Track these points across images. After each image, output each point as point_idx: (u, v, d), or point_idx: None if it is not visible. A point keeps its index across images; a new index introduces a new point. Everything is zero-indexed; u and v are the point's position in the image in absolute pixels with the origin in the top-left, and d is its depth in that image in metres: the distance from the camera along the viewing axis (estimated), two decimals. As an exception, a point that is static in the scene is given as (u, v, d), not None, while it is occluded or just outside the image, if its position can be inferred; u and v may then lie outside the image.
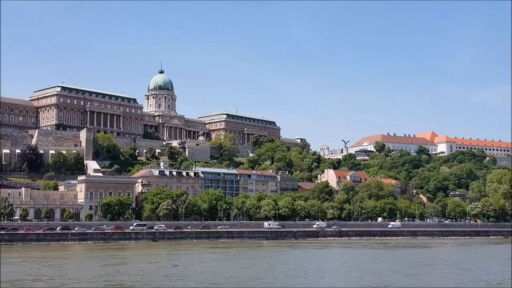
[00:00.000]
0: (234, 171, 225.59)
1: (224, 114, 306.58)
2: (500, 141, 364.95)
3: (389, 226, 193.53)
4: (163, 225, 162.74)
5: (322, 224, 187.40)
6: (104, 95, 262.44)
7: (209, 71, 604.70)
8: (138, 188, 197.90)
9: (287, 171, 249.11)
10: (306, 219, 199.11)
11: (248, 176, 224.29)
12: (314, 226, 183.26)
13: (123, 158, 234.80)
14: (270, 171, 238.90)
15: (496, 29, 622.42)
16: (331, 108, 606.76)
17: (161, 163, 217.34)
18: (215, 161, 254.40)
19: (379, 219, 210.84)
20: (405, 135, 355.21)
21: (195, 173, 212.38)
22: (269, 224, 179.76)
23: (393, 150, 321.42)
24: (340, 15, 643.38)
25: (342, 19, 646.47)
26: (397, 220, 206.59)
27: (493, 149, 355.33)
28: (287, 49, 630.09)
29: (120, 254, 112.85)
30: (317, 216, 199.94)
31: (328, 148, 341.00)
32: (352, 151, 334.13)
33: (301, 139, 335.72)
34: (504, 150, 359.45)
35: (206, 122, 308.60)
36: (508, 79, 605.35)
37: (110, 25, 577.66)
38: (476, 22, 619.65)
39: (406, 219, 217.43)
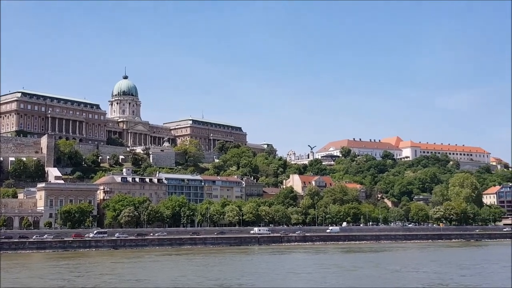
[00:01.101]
0: (198, 177, 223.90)
1: (190, 119, 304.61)
2: (463, 145, 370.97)
3: (327, 230, 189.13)
4: (125, 233, 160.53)
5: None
6: (66, 100, 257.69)
7: (174, 76, 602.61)
8: (100, 195, 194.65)
9: (252, 177, 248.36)
10: (270, 225, 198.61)
11: (212, 182, 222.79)
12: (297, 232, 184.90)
13: (85, 165, 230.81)
14: (235, 176, 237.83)
15: (461, 35, 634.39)
16: (298, 113, 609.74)
17: (124, 170, 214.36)
18: (180, 167, 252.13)
19: (344, 223, 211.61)
20: (370, 140, 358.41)
21: (158, 180, 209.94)
22: (259, 230, 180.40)
23: (358, 155, 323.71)
24: (306, 20, 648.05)
25: (308, 24, 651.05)
26: (344, 224, 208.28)
27: (457, 154, 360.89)
28: (254, 55, 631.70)
29: (70, 262, 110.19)
30: (282, 222, 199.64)
31: (294, 153, 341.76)
32: (318, 156, 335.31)
33: (268, 145, 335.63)
34: (467, 155, 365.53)
35: (171, 128, 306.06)
36: (472, 84, 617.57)
37: (73, 29, 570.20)
38: (442, 28, 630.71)
39: (370, 223, 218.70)
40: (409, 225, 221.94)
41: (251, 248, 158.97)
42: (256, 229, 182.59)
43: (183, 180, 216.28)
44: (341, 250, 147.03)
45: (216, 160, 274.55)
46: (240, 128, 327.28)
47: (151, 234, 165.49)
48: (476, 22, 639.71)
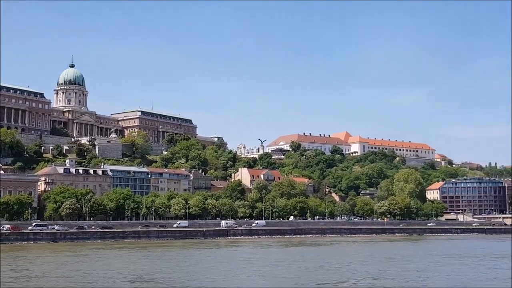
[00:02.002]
0: (145, 169, 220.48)
1: (139, 111, 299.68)
2: (409, 142, 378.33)
3: (253, 225, 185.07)
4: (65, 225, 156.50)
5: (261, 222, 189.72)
6: (8, 88, 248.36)
7: (124, 67, 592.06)
8: (41, 186, 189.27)
9: (201, 170, 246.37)
10: (217, 218, 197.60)
11: (159, 175, 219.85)
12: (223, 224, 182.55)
13: (27, 155, 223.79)
14: (183, 169, 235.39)
15: (411, 33, 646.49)
16: (250, 107, 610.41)
17: (67, 161, 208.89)
18: (127, 159, 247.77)
19: (291, 217, 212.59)
20: (320, 135, 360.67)
21: (103, 171, 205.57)
22: (227, 223, 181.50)
23: (308, 150, 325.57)
24: (260, 15, 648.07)
25: (261, 19, 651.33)
26: (291, 218, 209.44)
27: (403, 150, 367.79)
28: (206, 47, 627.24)
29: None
30: (228, 215, 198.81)
31: (245, 147, 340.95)
32: (268, 150, 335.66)
33: (218, 138, 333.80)
34: (413, 151, 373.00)
35: (119, 119, 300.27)
36: (420, 82, 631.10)
37: (18, 16, 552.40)
38: (392, 26, 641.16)
39: (317, 217, 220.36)
40: (355, 219, 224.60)
41: (196, 241, 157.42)
42: (223, 222, 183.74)
43: (129, 172, 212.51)
44: (281, 244, 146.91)
45: (165, 153, 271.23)
46: (190, 121, 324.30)
47: (93, 227, 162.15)
48: (425, 21, 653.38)
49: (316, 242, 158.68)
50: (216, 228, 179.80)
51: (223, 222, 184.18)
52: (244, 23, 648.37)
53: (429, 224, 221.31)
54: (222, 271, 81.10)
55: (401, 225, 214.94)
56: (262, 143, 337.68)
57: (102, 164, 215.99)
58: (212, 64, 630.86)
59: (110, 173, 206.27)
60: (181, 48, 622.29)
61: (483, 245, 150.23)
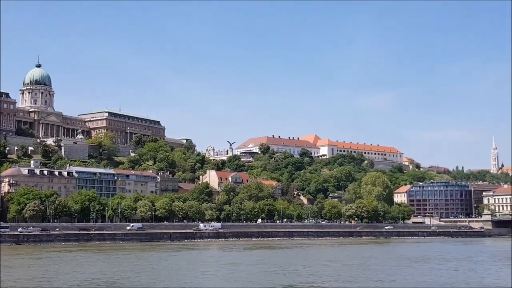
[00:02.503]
0: (111, 171, 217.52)
1: (106, 112, 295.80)
2: (378, 145, 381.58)
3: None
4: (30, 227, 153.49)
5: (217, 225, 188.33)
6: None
7: (92, 67, 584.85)
8: (5, 187, 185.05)
9: (168, 172, 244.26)
10: (184, 221, 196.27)
11: (126, 176, 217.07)
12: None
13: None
14: (151, 171, 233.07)
15: (381, 35, 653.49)
16: (219, 109, 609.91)
17: (32, 162, 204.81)
18: (93, 160, 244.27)
19: (259, 220, 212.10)
20: (289, 137, 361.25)
21: (68, 173, 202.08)
22: (205, 226, 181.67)
23: (277, 152, 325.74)
24: (231, 15, 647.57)
25: (233, 20, 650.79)
26: (259, 220, 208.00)
27: (372, 153, 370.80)
28: (175, 48, 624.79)
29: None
30: (195, 218, 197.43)
31: (213, 149, 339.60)
32: (237, 152, 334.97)
33: (187, 140, 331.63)
34: (381, 154, 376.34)
35: (86, 120, 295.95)
36: (389, 86, 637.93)
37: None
38: (364, 29, 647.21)
39: (285, 220, 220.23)
40: (322, 222, 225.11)
41: (161, 244, 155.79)
42: (202, 225, 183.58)
43: (94, 173, 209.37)
44: (245, 247, 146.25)
45: (132, 154, 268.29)
46: (158, 122, 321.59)
47: (57, 229, 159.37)
48: (395, 25, 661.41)
49: (283, 244, 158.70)
50: (183, 231, 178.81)
51: (201, 225, 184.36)
52: (214, 23, 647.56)
53: (386, 228, 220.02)
54: (185, 273, 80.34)
55: (357, 228, 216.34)
56: (231, 145, 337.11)
57: (68, 165, 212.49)
58: (182, 65, 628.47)
59: (76, 175, 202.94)
60: (149, 49, 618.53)
61: (444, 248, 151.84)
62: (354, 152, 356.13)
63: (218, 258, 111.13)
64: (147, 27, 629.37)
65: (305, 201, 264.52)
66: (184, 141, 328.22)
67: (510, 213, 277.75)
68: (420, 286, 71.00)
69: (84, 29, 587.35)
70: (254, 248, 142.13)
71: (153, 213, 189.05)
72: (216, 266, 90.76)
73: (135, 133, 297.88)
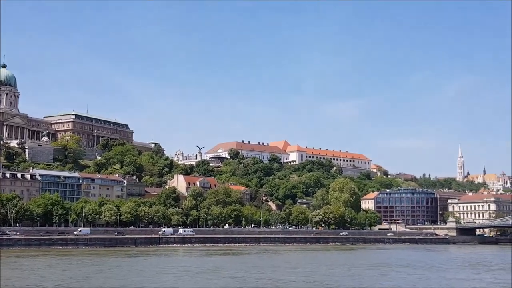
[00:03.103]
0: (76, 174, 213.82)
1: (73, 114, 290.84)
2: (346, 152, 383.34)
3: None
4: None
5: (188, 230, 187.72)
6: None
7: (59, 68, 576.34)
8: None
9: (135, 176, 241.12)
10: (150, 226, 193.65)
11: (91, 180, 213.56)
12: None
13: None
14: (117, 175, 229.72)
15: (352, 45, 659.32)
16: (190, 113, 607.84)
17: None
18: (58, 163, 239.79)
19: (226, 225, 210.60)
20: (259, 143, 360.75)
21: (31, 176, 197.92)
22: (184, 231, 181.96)
23: (246, 158, 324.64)
24: (200, 20, 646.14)
25: (202, 25, 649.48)
26: (226, 226, 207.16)
27: (340, 160, 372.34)
28: (147, 52, 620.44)
29: None
30: (161, 223, 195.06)
31: (182, 153, 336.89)
32: (206, 157, 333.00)
33: (155, 144, 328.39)
34: (350, 161, 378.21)
35: (52, 122, 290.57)
36: (360, 94, 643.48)
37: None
38: (333, 37, 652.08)
39: (252, 225, 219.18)
40: (289, 228, 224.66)
41: (127, 249, 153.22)
42: (181, 230, 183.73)
43: (59, 177, 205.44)
44: (207, 253, 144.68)
45: (99, 158, 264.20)
46: (126, 126, 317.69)
47: (18, 233, 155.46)
48: (364, 36, 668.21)
49: (248, 250, 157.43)
50: (148, 236, 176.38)
51: (181, 230, 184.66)
52: (186, 28, 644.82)
53: (341, 234, 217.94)
54: (145, 279, 78.77)
55: (324, 234, 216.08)
56: (200, 150, 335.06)
57: (31, 168, 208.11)
58: (153, 69, 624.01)
59: (39, 178, 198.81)
60: (119, 52, 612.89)
61: (405, 254, 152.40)
62: (323, 158, 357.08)
63: (174, 264, 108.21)
64: (115, 30, 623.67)
65: (273, 207, 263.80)
66: (153, 145, 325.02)
67: (474, 221, 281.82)
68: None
69: (52, 30, 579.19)
70: (216, 254, 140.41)
71: (118, 218, 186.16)
72: (164, 274, 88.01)
73: (102, 136, 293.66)
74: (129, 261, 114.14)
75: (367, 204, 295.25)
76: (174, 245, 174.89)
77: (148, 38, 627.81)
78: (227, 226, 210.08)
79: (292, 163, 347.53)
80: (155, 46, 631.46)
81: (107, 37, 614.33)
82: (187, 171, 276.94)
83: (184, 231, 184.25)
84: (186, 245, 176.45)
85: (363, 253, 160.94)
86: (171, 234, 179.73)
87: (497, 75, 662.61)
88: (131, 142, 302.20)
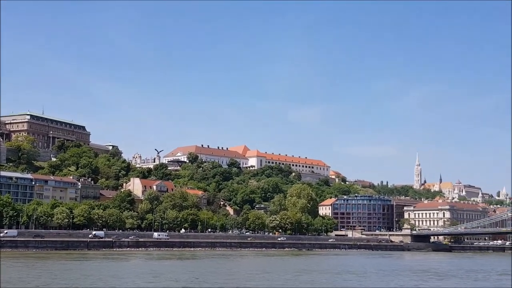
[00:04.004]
0: (29, 175, 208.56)
1: (28, 114, 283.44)
2: (306, 158, 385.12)
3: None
4: None
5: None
6: None
7: (14, 68, 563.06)
8: None
9: (90, 179, 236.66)
10: (103, 229, 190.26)
11: (44, 182, 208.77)
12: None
13: None
14: (72, 177, 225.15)
15: (313, 52, 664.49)
16: (149, 117, 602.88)
17: None
18: (11, 164, 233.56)
19: (182, 230, 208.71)
20: (218, 147, 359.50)
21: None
22: (159, 235, 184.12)
23: (205, 162, 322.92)
24: (162, 22, 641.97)
25: (163, 26, 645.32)
26: (182, 230, 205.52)
27: (299, 165, 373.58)
28: (106, 53, 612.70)
29: None
30: (116, 226, 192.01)
31: (140, 156, 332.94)
32: (165, 160, 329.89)
33: (113, 146, 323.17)
34: (309, 167, 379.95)
35: (6, 122, 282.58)
36: (320, 101, 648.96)
37: None
38: (297, 44, 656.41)
39: (209, 230, 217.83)
40: (246, 233, 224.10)
41: (78, 252, 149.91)
42: (156, 234, 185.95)
43: (10, 178, 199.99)
44: (153, 257, 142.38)
45: (53, 159, 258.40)
46: (83, 127, 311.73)
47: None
48: (326, 43, 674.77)
49: (201, 255, 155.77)
50: (101, 239, 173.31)
51: (155, 234, 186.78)
52: (147, 29, 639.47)
53: (279, 239, 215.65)
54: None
55: (280, 239, 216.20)
56: (158, 153, 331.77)
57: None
58: (111, 71, 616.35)
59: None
60: (79, 52, 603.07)
61: (359, 261, 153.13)
62: (283, 164, 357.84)
63: (112, 269, 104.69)
64: (75, 31, 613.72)
65: (231, 211, 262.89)
66: (110, 147, 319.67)
67: (429, 228, 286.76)
68: None
69: (9, 28, 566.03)
70: (168, 259, 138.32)
71: (71, 221, 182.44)
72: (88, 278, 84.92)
73: (58, 138, 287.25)
74: (76, 265, 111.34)
75: (324, 210, 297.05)
76: (128, 248, 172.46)
77: (109, 39, 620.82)
78: (183, 230, 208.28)
79: (251, 168, 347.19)
80: (116, 47, 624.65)
81: (66, 37, 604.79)
82: (145, 174, 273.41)
83: (159, 235, 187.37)
84: (140, 249, 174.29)
85: (309, 259, 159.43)
86: (101, 237, 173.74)
87: (461, 85, 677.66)
88: (88, 144, 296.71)
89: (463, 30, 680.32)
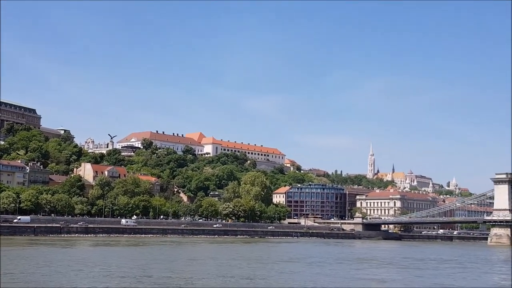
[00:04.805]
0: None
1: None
2: (261, 146, 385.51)
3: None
4: None
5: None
6: None
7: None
8: None
9: (39, 163, 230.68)
10: (52, 214, 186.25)
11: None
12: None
13: None
14: (19, 161, 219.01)
15: (273, 42, 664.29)
16: (104, 101, 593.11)
17: None
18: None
19: (134, 216, 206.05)
20: (174, 134, 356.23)
21: None
22: (127, 222, 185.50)
23: (160, 148, 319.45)
24: (116, 6, 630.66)
25: (119, 11, 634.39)
26: (134, 217, 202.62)
27: (255, 153, 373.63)
28: (60, 35, 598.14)
29: None
30: (64, 211, 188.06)
31: (93, 141, 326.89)
32: (119, 146, 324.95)
33: (65, 130, 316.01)
34: (264, 155, 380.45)
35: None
36: (277, 90, 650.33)
37: None
38: (255, 33, 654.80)
39: (161, 217, 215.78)
40: (199, 220, 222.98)
41: (25, 238, 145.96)
42: (124, 220, 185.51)
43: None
44: (97, 243, 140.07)
45: (1, 143, 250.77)
46: (34, 110, 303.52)
47: None
48: (286, 34, 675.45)
49: (151, 242, 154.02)
50: (48, 225, 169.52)
51: (123, 221, 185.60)
52: (103, 13, 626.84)
53: (214, 226, 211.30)
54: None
55: (232, 227, 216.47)
56: (112, 138, 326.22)
57: None
58: (65, 55, 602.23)
59: None
60: (30, 33, 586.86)
61: (306, 249, 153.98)
62: (238, 151, 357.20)
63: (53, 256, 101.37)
64: (28, 11, 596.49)
65: (185, 198, 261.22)
66: (62, 131, 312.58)
67: (380, 217, 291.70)
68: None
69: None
70: (116, 245, 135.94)
71: (18, 205, 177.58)
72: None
73: (7, 121, 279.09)
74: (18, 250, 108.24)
75: (278, 198, 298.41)
76: (77, 235, 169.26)
77: (63, 20, 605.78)
78: (134, 217, 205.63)
79: (206, 155, 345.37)
80: (70, 29, 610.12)
81: (19, 17, 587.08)
82: (97, 159, 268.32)
83: (127, 221, 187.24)
84: (89, 235, 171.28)
85: (256, 246, 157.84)
86: (27, 222, 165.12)
87: (415, 77, 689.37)
88: (39, 128, 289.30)
89: (422, 23, 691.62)
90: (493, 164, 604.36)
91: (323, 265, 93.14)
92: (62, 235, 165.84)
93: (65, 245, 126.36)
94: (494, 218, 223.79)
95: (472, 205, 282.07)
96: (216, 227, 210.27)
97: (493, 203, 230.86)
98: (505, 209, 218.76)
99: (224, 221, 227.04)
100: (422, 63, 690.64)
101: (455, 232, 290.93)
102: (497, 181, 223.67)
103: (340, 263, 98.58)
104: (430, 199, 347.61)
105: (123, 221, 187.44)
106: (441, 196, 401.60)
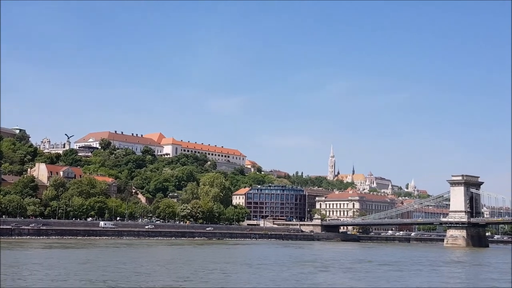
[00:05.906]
0: None
1: None
2: (222, 147, 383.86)
3: None
4: None
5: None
6: None
7: None
8: None
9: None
10: (3, 216, 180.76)
11: None
12: None
13: None
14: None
15: (236, 42, 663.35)
16: (61, 100, 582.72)
17: None
18: None
19: (89, 218, 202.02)
20: (133, 134, 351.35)
21: None
22: (105, 224, 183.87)
23: (118, 148, 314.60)
24: (83, 3, 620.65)
25: (84, 8, 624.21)
26: (89, 219, 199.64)
27: (216, 154, 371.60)
28: (17, 33, 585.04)
29: None
30: (16, 213, 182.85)
31: (49, 141, 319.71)
32: (76, 146, 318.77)
33: (20, 130, 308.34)
34: (225, 156, 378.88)
35: None
36: (238, 91, 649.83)
37: None
38: (221, 32, 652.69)
39: (118, 218, 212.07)
40: (156, 222, 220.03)
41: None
42: (102, 223, 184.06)
43: None
44: (49, 246, 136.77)
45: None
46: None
47: None
48: (247, 34, 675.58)
49: (103, 244, 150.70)
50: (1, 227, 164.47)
51: (101, 223, 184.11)
52: (62, 16, 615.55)
53: (146, 227, 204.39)
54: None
55: (190, 228, 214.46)
56: (68, 138, 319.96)
57: None
58: (22, 49, 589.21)
59: None
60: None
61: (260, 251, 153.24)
62: (198, 152, 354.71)
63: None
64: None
65: (143, 200, 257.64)
66: (18, 131, 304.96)
67: (339, 218, 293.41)
68: None
69: None
70: (64, 248, 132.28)
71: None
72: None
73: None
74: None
75: (238, 199, 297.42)
76: (28, 237, 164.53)
77: (23, 17, 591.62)
78: (90, 218, 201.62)
79: (166, 156, 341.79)
80: (28, 27, 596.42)
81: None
82: (53, 160, 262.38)
83: (105, 223, 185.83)
84: (41, 237, 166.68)
85: (211, 249, 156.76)
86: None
87: (376, 80, 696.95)
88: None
89: (390, 27, 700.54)
90: (450, 166, 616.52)
91: (282, 267, 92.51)
92: (13, 237, 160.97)
93: (13, 248, 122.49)
94: (450, 219, 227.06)
95: (430, 207, 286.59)
96: (148, 228, 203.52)
97: (449, 204, 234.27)
98: (461, 211, 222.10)
99: (182, 222, 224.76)
100: (384, 64, 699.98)
101: (413, 234, 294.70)
102: (453, 183, 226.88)
103: (281, 265, 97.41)
104: (389, 200, 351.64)
105: (101, 223, 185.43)
106: (400, 198, 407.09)
